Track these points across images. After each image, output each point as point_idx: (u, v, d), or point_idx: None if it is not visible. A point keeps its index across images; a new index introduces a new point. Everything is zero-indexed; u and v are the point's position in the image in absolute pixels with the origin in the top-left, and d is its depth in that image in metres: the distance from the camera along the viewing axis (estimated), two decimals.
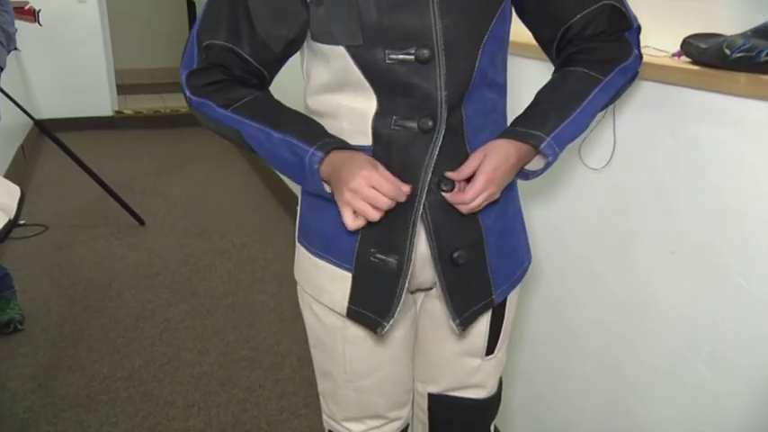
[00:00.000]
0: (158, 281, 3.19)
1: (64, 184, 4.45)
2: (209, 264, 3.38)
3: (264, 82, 1.12)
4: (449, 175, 1.04)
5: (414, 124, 1.02)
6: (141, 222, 3.88)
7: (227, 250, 3.55)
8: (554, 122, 1.03)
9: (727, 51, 1.08)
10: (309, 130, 1.04)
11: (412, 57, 0.99)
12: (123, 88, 6.73)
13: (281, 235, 3.74)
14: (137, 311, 2.90)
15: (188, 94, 1.09)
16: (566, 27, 1.08)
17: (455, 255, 1.10)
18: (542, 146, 1.02)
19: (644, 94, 1.31)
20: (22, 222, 3.60)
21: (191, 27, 6.94)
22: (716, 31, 1.19)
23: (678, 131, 1.25)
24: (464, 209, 1.03)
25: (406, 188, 0.99)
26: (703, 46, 1.15)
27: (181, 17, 7.98)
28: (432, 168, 1.04)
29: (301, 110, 1.13)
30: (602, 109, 1.10)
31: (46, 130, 3.74)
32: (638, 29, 1.12)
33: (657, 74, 1.25)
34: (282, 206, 4.12)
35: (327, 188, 1.02)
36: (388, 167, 1.02)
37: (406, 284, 1.10)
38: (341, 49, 1.01)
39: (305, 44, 1.09)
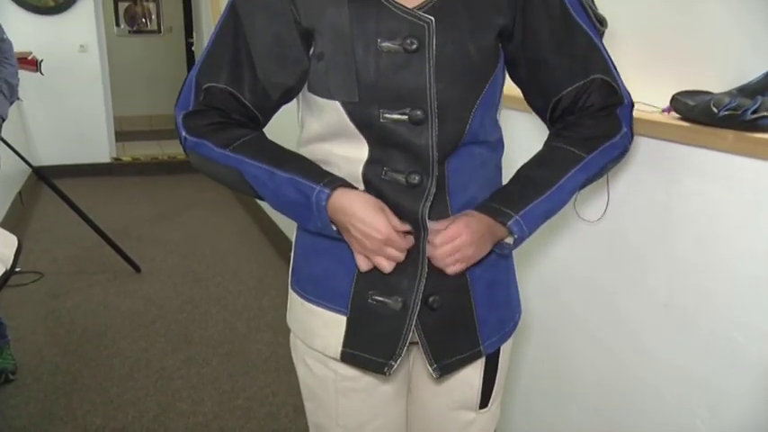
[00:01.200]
0: (154, 329, 3.18)
1: (61, 231, 4.46)
2: (206, 312, 3.37)
3: (259, 126, 1.14)
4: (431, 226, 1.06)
5: (402, 178, 1.04)
6: (137, 269, 3.87)
7: (223, 298, 3.54)
8: (527, 200, 1.06)
9: (715, 109, 1.11)
10: (313, 169, 1.06)
11: (405, 117, 1.01)
12: (122, 135, 6.79)
13: (278, 283, 3.73)
14: (131, 360, 2.88)
15: (184, 134, 1.10)
16: (556, 99, 1.10)
17: (430, 299, 1.10)
18: (510, 223, 1.04)
19: (636, 149, 1.34)
20: (17, 270, 3.60)
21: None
22: (704, 88, 1.23)
23: (669, 185, 1.27)
24: (434, 253, 1.04)
25: (411, 240, 1.04)
26: (691, 103, 1.18)
27: (180, 64, 8.11)
28: (426, 222, 1.06)
29: None
30: (582, 186, 1.12)
31: (44, 177, 3.76)
32: (631, 105, 1.13)
33: (649, 129, 1.28)
34: (279, 254, 4.12)
35: (334, 231, 1.04)
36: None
37: (413, 324, 1.10)
38: (336, 104, 1.03)
39: (300, 94, 1.11)
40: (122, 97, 7.20)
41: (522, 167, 1.12)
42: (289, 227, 1.20)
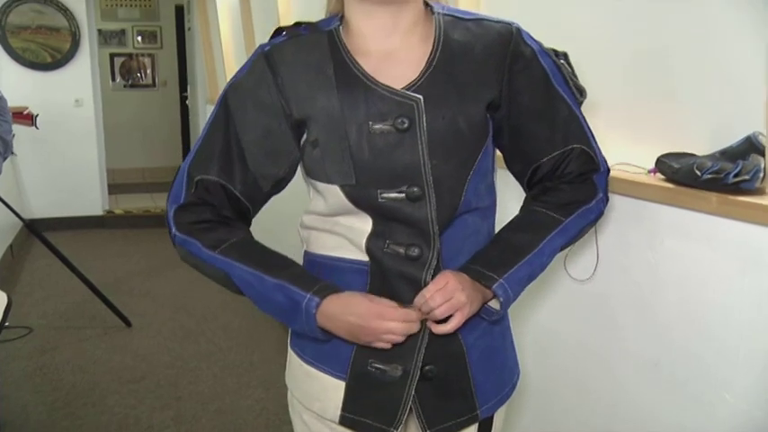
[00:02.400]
0: (143, 385, 3.13)
1: (51, 285, 4.43)
2: (196, 367, 3.33)
3: (249, 219, 1.16)
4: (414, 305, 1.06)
5: (402, 250, 1.06)
6: (128, 324, 3.84)
7: (213, 353, 3.51)
8: (508, 265, 1.07)
9: (698, 172, 1.14)
10: (301, 275, 1.08)
11: (403, 195, 1.04)
12: (114, 187, 6.82)
13: (269, 337, 3.71)
14: (119, 418, 2.83)
15: (173, 230, 1.11)
16: (536, 165, 1.13)
17: (426, 368, 1.11)
18: (494, 286, 1.06)
19: (624, 209, 1.36)
20: (5, 325, 3.57)
21: (183, 127, 7.08)
22: (689, 149, 1.26)
23: (657, 246, 1.29)
24: (434, 315, 1.04)
25: (414, 316, 1.04)
26: (676, 166, 1.21)
27: (174, 118, 8.20)
28: None
29: (295, 223, 1.18)
30: (561, 249, 1.14)
31: (35, 231, 3.76)
32: (606, 171, 1.16)
33: (635, 190, 1.30)
34: None
35: (320, 333, 1.06)
36: (385, 282, 1.07)
37: (413, 392, 1.10)
38: (335, 188, 1.06)
39: (303, 175, 1.13)
40: (116, 150, 7.25)
41: (502, 231, 1.14)
42: None
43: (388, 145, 1.03)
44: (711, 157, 1.17)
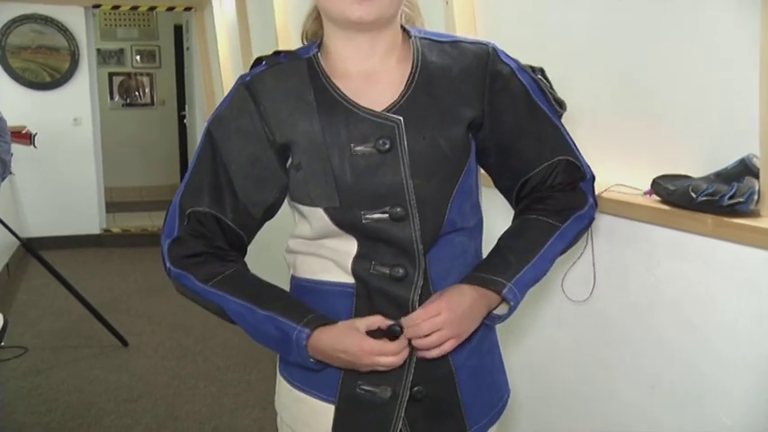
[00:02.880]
0: (140, 405, 3.12)
1: (47, 304, 4.42)
2: (193, 386, 3.32)
3: (243, 247, 1.17)
4: (401, 321, 1.05)
5: (387, 271, 1.07)
6: (125, 343, 3.83)
7: (211, 372, 3.49)
8: (515, 268, 1.08)
9: (693, 194, 1.15)
10: (292, 307, 1.09)
11: (386, 215, 1.05)
12: (112, 206, 6.82)
13: (267, 356, 3.69)
14: None
15: (168, 264, 1.13)
16: (525, 179, 1.15)
17: (414, 389, 1.11)
18: (504, 291, 1.06)
19: (620, 231, 1.37)
20: (1, 345, 3.55)
21: (181, 146, 7.08)
22: (684, 171, 1.27)
23: (653, 267, 1.30)
24: (421, 343, 1.04)
25: (404, 346, 1.04)
26: (671, 188, 1.22)
27: (172, 137, 8.22)
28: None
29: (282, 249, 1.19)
30: (560, 254, 1.15)
31: (31, 250, 3.76)
32: (592, 178, 1.18)
33: (632, 212, 1.31)
34: None
35: (313, 364, 1.07)
36: (371, 304, 1.08)
37: (402, 414, 1.10)
38: (319, 211, 1.07)
39: (288, 200, 1.15)
40: (114, 168, 7.26)
41: (501, 240, 1.15)
42: None
43: (371, 166, 1.04)
44: (706, 179, 1.18)
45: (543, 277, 1.13)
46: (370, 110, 1.06)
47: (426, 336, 1.03)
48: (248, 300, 1.09)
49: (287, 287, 1.19)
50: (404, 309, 1.08)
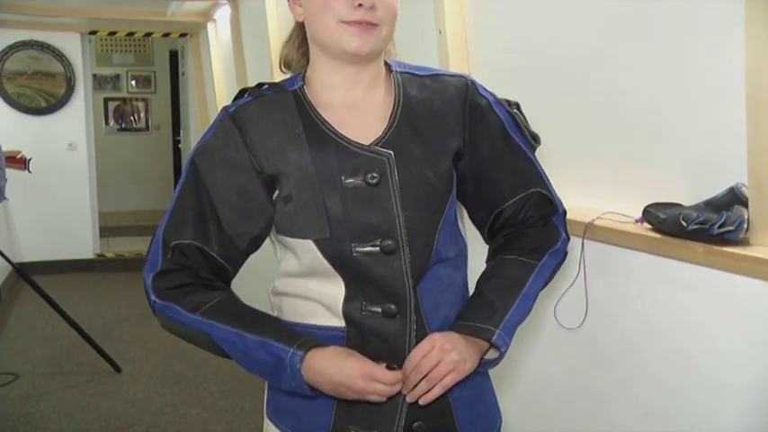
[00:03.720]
0: None
1: (39, 330, 4.39)
2: (186, 414, 3.29)
3: (228, 279, 1.15)
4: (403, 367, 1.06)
5: (379, 309, 1.07)
6: (117, 369, 3.80)
7: (203, 399, 3.47)
8: (501, 313, 1.07)
9: (684, 223, 1.16)
10: (284, 331, 1.08)
11: (377, 248, 1.05)
12: (106, 230, 6.80)
13: (259, 383, 3.65)
14: None
15: (153, 297, 1.09)
16: (498, 211, 1.15)
17: (414, 425, 1.10)
18: (494, 339, 1.05)
19: (612, 258, 1.38)
20: None
21: (175, 170, 7.06)
22: (674, 199, 1.28)
23: (645, 294, 1.31)
24: (421, 385, 1.04)
25: (398, 379, 1.04)
26: (662, 216, 1.23)
27: (167, 161, 8.23)
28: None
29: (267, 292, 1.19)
30: (540, 291, 1.15)
31: (24, 275, 3.74)
32: (564, 213, 1.20)
33: (623, 240, 1.32)
34: None
35: (307, 389, 1.04)
36: (364, 345, 1.07)
37: None
38: (309, 243, 1.06)
39: (272, 235, 1.13)
40: (108, 193, 7.26)
41: (480, 284, 1.15)
42: None
43: (361, 199, 1.05)
44: (696, 207, 1.20)
45: (528, 316, 1.13)
46: (360, 144, 1.07)
47: (427, 373, 1.03)
48: (238, 326, 1.06)
49: None
50: (399, 347, 1.07)
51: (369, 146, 1.06)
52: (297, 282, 1.12)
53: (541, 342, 1.63)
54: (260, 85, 1.13)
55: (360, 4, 1.02)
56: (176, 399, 3.46)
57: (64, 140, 5.98)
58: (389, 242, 1.05)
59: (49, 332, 4.28)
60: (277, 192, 1.08)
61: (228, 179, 1.08)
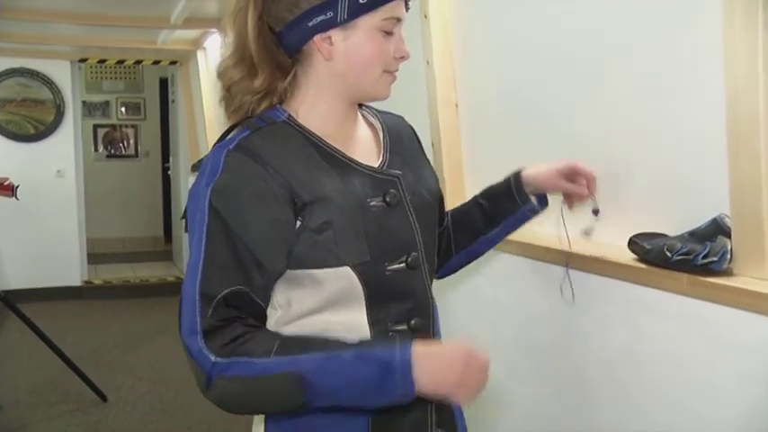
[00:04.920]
0: None
1: (23, 359, 4.33)
2: None
3: (265, 322, 1.05)
4: None
5: (404, 327, 1.08)
6: (104, 398, 3.75)
7: (191, 427, 3.43)
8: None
9: (669, 254, 1.17)
10: (372, 342, 1.01)
11: (404, 265, 1.07)
12: (94, 257, 6.75)
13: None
14: None
15: (212, 359, 0.94)
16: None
17: None
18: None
19: (599, 288, 1.39)
20: None
21: (165, 197, 6.99)
22: (659, 229, 1.29)
23: (630, 323, 1.31)
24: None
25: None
26: (647, 246, 1.24)
27: (156, 188, 8.20)
28: None
29: None
30: None
31: (9, 303, 3.71)
32: None
33: (609, 269, 1.33)
34: None
35: (412, 389, 0.94)
36: None
37: None
38: (345, 270, 1.02)
39: (282, 277, 1.05)
40: (97, 219, 7.21)
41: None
42: None
43: (387, 218, 1.07)
44: (681, 238, 1.21)
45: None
46: (372, 167, 1.10)
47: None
48: (325, 351, 0.95)
49: None
50: None
51: (379, 169, 1.10)
52: (314, 319, 1.05)
53: (527, 369, 1.63)
54: (249, 118, 1.08)
55: (402, 57, 1.07)
56: (163, 428, 3.42)
57: (52, 167, 5.96)
58: (414, 255, 1.08)
59: (34, 361, 4.23)
60: (300, 222, 1.01)
61: (261, 213, 0.99)
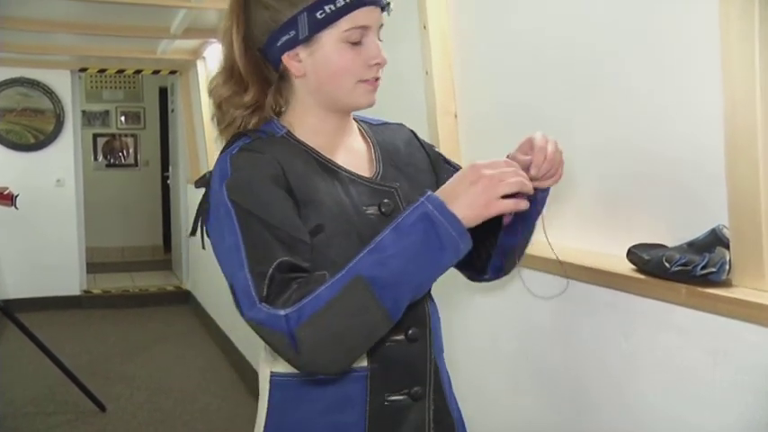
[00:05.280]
0: None
1: (22, 368, 4.32)
2: None
3: None
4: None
5: (402, 336, 1.10)
6: (102, 408, 3.74)
7: None
8: None
9: (667, 264, 1.17)
10: (396, 216, 0.98)
11: None
12: (93, 266, 6.75)
13: (248, 420, 3.63)
14: None
15: (283, 313, 0.91)
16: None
17: None
18: None
19: (598, 299, 1.38)
20: None
21: (164, 206, 7.01)
22: (658, 239, 1.29)
23: (630, 335, 1.31)
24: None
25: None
26: (646, 257, 1.24)
27: (155, 197, 8.21)
28: (432, 373, 1.15)
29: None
30: None
31: (8, 313, 3.70)
32: None
33: (608, 280, 1.33)
34: (249, 390, 4.03)
35: (461, 222, 0.93)
36: (389, 378, 1.10)
37: None
38: None
39: None
40: (96, 229, 7.21)
41: None
42: None
43: (382, 227, 1.02)
44: (679, 248, 1.21)
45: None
46: (369, 178, 1.11)
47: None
48: (366, 249, 0.94)
49: None
50: (422, 372, 1.13)
51: (377, 180, 1.11)
52: None
53: (527, 382, 1.63)
54: (249, 130, 1.10)
55: (376, 63, 1.06)
56: None
57: (52, 176, 5.97)
58: None
59: (32, 371, 4.22)
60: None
61: (278, 193, 1.01)
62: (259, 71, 1.09)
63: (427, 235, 0.92)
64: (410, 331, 1.10)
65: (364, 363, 1.08)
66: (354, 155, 1.14)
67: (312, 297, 0.91)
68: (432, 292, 1.19)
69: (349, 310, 0.91)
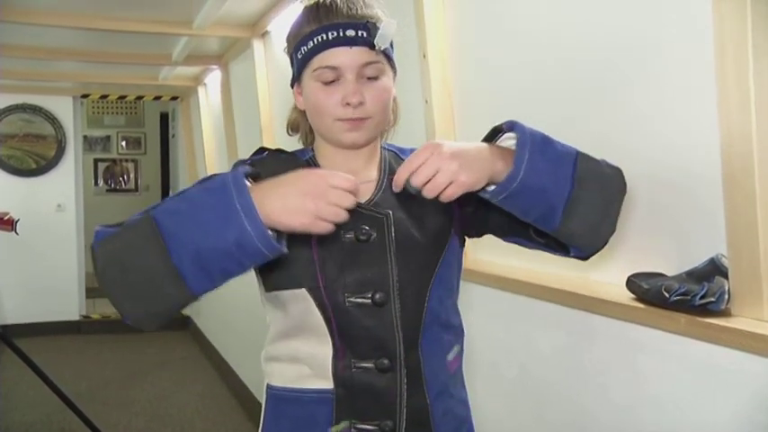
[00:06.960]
0: None
1: (19, 396, 4.30)
2: None
3: None
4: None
5: (371, 365, 1.08)
6: None
7: None
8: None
9: (666, 294, 1.18)
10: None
11: (369, 300, 1.07)
12: (92, 291, 6.73)
13: None
14: None
15: (97, 229, 1.04)
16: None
17: None
18: (507, 125, 1.09)
19: (597, 328, 1.39)
20: None
21: None
22: (658, 268, 1.30)
23: (632, 364, 1.31)
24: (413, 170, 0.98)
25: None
26: (645, 286, 1.25)
27: None
28: (405, 408, 1.09)
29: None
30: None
31: (6, 339, 3.68)
32: None
33: (608, 309, 1.33)
34: (248, 417, 4.00)
35: (255, 213, 0.91)
36: (355, 406, 1.08)
37: None
38: (302, 292, 1.08)
39: (263, 297, 1.16)
40: None
41: None
42: (259, 389, 1.17)
43: (359, 253, 1.08)
44: (678, 278, 1.22)
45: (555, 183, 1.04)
46: (359, 203, 1.09)
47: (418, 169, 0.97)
48: (179, 194, 0.99)
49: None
50: (391, 403, 1.08)
51: (368, 206, 1.11)
52: (286, 344, 1.13)
53: (528, 409, 1.62)
54: (277, 150, 1.19)
55: (347, 103, 1.07)
56: None
57: (53, 201, 5.99)
58: (381, 294, 1.07)
59: (30, 398, 4.19)
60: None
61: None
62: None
63: (218, 200, 0.92)
64: (381, 360, 1.08)
65: (330, 385, 1.09)
66: (364, 184, 1.14)
67: (120, 223, 0.99)
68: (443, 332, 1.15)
69: (133, 240, 0.95)
